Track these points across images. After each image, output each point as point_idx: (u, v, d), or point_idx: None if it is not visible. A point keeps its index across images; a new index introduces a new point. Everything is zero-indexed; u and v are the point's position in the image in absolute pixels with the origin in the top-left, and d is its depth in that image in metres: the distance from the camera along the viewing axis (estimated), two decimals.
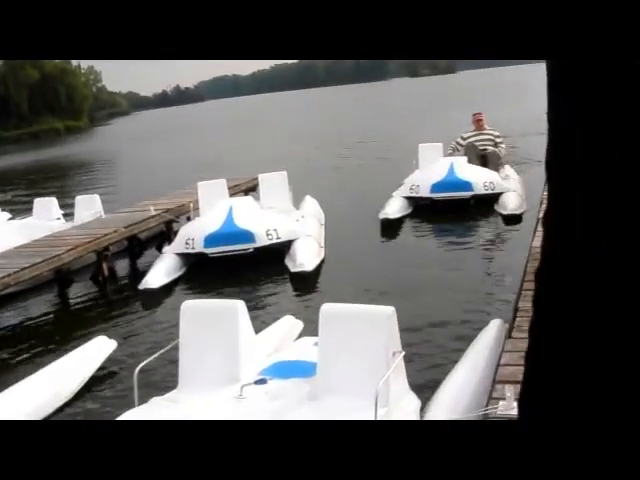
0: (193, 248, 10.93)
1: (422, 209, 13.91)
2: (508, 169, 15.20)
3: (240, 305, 5.41)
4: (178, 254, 11.07)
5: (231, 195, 13.27)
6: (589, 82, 1.50)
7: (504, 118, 28.89)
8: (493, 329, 6.42)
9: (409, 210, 13.83)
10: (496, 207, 13.11)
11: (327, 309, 4.95)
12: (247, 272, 10.44)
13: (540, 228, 8.61)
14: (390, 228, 12.84)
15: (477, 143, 15.09)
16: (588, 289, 1.49)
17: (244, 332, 5.41)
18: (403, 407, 4.78)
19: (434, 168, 14.09)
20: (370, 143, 30.05)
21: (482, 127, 15.45)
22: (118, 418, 4.71)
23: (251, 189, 15.99)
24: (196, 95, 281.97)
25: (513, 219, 12.50)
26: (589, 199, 1.49)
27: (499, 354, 5.37)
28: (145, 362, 4.97)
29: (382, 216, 13.00)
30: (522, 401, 1.73)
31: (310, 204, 13.54)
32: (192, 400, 4.93)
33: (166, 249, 11.39)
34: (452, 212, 13.38)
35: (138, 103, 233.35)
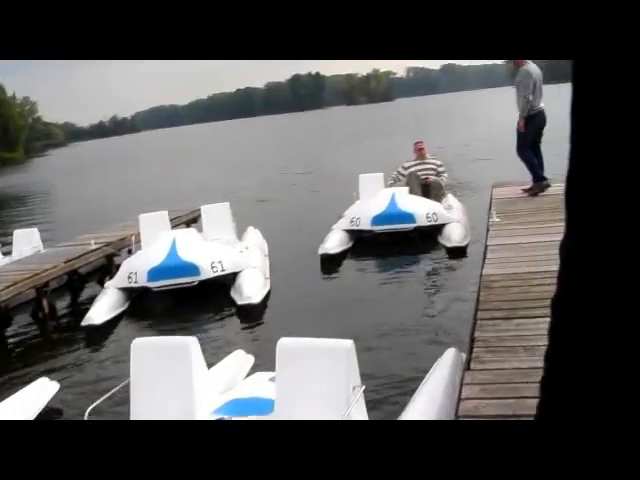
0: (136, 282, 10.72)
1: (363, 242, 13.46)
2: (451, 198, 14.84)
3: (193, 342, 5.27)
4: (121, 288, 10.85)
5: (173, 227, 13.13)
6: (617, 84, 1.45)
7: (441, 144, 29.25)
8: (449, 358, 6.37)
9: (349, 244, 13.31)
10: (440, 239, 12.77)
11: (284, 344, 4.84)
12: (193, 306, 10.30)
13: (489, 256, 8.69)
14: (330, 263, 12.34)
15: (419, 172, 14.75)
16: (609, 314, 1.52)
17: (198, 370, 5.27)
18: None
19: (375, 200, 13.69)
20: (310, 174, 30.09)
21: (424, 156, 15.11)
22: None
23: (193, 221, 15.88)
24: (133, 126, 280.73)
25: (458, 251, 12.18)
26: (609, 230, 1.47)
27: (457, 385, 5.33)
28: (95, 404, 4.81)
29: (322, 251, 12.48)
30: (542, 404, 1.78)
31: (253, 235, 13.42)
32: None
33: (108, 284, 11.17)
34: (394, 245, 13.02)
35: (74, 134, 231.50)
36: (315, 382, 4.59)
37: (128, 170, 48.95)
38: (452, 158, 22.90)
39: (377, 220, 13.32)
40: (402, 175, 14.96)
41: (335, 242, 12.85)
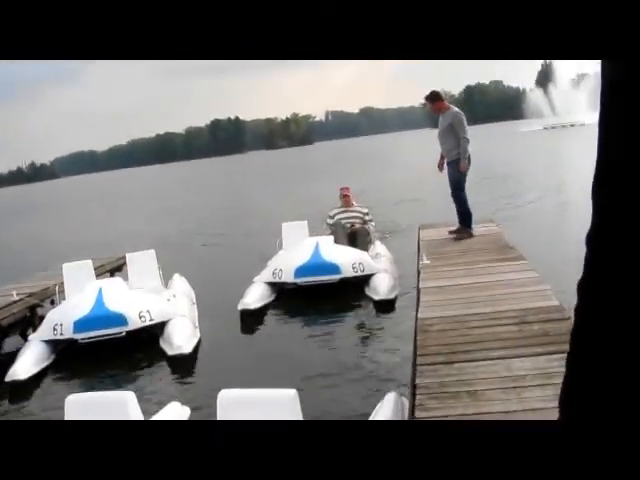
0: (62, 334, 10.39)
1: (286, 295, 12.73)
2: (379, 246, 14.37)
3: (130, 396, 5.13)
4: (46, 341, 10.51)
5: (97, 276, 12.87)
6: None
7: (363, 188, 29.44)
8: (390, 403, 6.27)
9: (271, 297, 12.63)
10: (367, 291, 12.16)
11: (225, 395, 4.70)
12: (121, 357, 10.03)
13: (423, 299, 8.65)
14: (251, 319, 11.65)
15: (344, 221, 14.38)
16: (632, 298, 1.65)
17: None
18: None
19: (298, 250, 13.07)
20: (233, 220, 29.93)
21: (349, 203, 14.72)
22: None
23: (117, 269, 15.65)
24: (52, 172, 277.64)
25: (386, 304, 11.57)
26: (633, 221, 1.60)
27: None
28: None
29: (241, 306, 11.75)
30: (563, 405, 1.92)
31: (179, 282, 13.20)
32: None
33: (32, 336, 10.83)
34: (319, 298, 12.29)
35: None
36: None
37: (48, 218, 48.22)
38: (375, 201, 22.99)
39: (300, 272, 12.59)
40: (328, 225, 14.60)
41: (255, 296, 12.16)
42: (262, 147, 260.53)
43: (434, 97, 12.40)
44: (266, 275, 12.99)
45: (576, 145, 52.13)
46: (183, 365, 9.61)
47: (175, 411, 7.04)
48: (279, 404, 4.52)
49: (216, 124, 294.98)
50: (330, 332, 10.83)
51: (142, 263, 12.86)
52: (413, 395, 5.65)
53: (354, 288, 12.38)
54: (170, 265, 14.28)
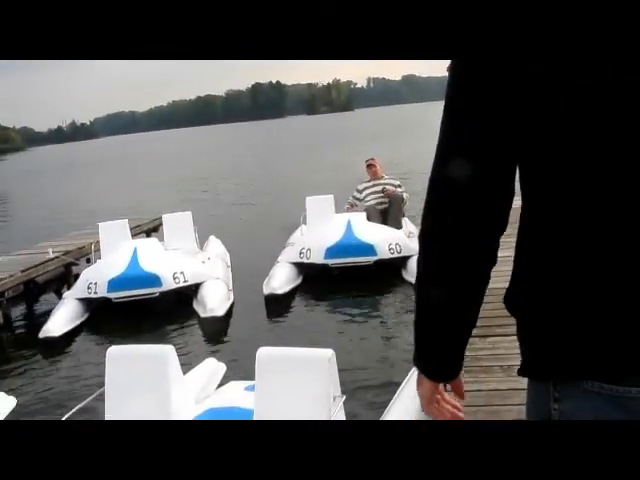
0: (96, 293, 10.41)
1: (314, 278, 11.42)
2: (410, 224, 12.88)
3: (170, 350, 5.15)
4: (80, 299, 10.56)
5: (133, 236, 12.88)
6: None
7: (402, 156, 29.27)
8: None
9: (299, 280, 11.42)
10: (405, 275, 10.93)
11: (264, 353, 4.75)
12: (154, 317, 10.04)
13: None
14: (277, 304, 10.47)
15: (373, 197, 12.89)
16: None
17: (174, 379, 5.15)
18: None
19: (328, 227, 11.74)
20: (268, 184, 29.88)
21: (377, 175, 13.27)
22: None
23: (153, 230, 15.67)
24: (91, 131, 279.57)
25: None
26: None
27: None
28: (70, 414, 4.63)
29: (267, 291, 10.56)
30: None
31: (215, 245, 13.18)
32: None
33: (67, 294, 10.89)
34: (352, 282, 11.06)
35: (33, 138, 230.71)
36: (295, 392, 4.52)
37: (87, 177, 48.54)
38: (412, 171, 22.80)
39: (331, 252, 11.31)
40: (357, 199, 13.28)
41: (282, 279, 10.93)
42: (302, 112, 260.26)
43: None
44: (292, 254, 11.79)
45: None
46: (215, 327, 9.61)
47: (211, 367, 7.07)
48: (316, 364, 4.55)
49: (257, 88, 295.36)
50: (364, 326, 9.65)
51: (178, 224, 12.84)
52: None
53: (390, 271, 11.20)
54: (206, 227, 14.28)
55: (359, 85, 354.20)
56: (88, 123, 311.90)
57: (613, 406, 1.56)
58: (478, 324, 5.59)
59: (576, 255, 1.53)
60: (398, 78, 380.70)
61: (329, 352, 4.57)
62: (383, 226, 12.02)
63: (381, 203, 12.83)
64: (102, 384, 5.14)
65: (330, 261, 11.34)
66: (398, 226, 12.23)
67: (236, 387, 5.97)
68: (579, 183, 1.49)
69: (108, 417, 5.00)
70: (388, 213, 12.61)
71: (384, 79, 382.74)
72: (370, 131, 66.96)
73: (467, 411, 4.73)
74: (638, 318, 1.48)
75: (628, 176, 1.44)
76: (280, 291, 10.60)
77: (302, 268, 11.60)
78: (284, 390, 4.56)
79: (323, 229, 11.86)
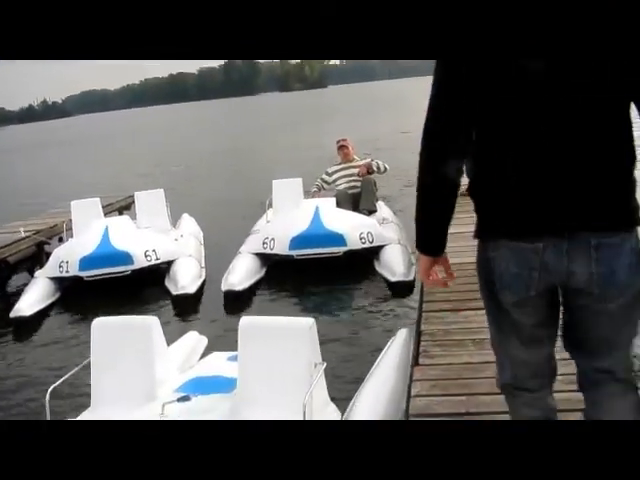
0: (67, 271, 10.34)
1: (279, 270, 10.57)
2: (384, 208, 12.23)
3: (154, 321, 5.22)
4: (51, 278, 10.49)
5: (105, 214, 12.83)
6: None
7: (376, 133, 29.23)
8: (401, 338, 6.30)
9: (261, 273, 10.52)
10: (378, 267, 10.10)
11: (246, 322, 4.83)
12: (126, 296, 9.97)
13: None
14: (237, 301, 9.56)
15: (344, 181, 12.18)
16: None
17: (159, 349, 5.24)
18: (326, 418, 4.72)
19: (294, 215, 10.88)
20: (241, 162, 29.81)
21: (349, 157, 12.47)
22: None
23: (126, 208, 15.62)
24: (64, 110, 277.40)
25: (404, 287, 9.38)
26: None
27: (410, 367, 5.36)
28: (55, 385, 4.63)
29: (226, 287, 9.68)
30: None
31: (188, 223, 13.12)
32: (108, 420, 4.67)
33: (38, 273, 10.81)
34: (320, 274, 10.11)
35: (3, 117, 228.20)
36: (277, 360, 4.61)
37: (59, 155, 48.20)
38: (387, 148, 22.75)
39: (297, 243, 10.35)
40: (326, 183, 12.53)
41: (242, 273, 10.03)
42: (275, 89, 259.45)
43: None
44: (255, 245, 10.87)
45: None
46: (187, 304, 9.59)
47: (193, 339, 7.17)
48: (297, 332, 4.63)
49: (230, 65, 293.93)
50: (331, 319, 8.77)
51: (150, 202, 12.76)
52: (418, 342, 5.59)
53: (361, 262, 10.32)
54: (179, 205, 14.20)
55: (332, 62, 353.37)
56: (60, 102, 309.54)
57: (513, 253, 2.75)
58: (451, 298, 5.65)
59: (494, 167, 2.75)
60: None
61: (310, 320, 4.66)
62: (354, 213, 11.22)
63: (353, 187, 12.07)
64: (75, 360, 5.15)
65: (295, 252, 10.36)
66: (372, 208, 11.67)
67: (219, 357, 6.06)
68: (497, 133, 2.71)
69: (93, 387, 5.07)
70: (360, 197, 11.84)
71: None
72: (343, 108, 66.86)
73: (439, 385, 4.77)
74: (523, 205, 2.68)
75: (518, 132, 2.65)
76: (239, 287, 9.70)
77: (266, 259, 10.75)
78: (266, 358, 4.64)
79: (288, 217, 11.01)
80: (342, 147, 12.57)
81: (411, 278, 9.44)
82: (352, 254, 10.26)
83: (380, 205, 12.23)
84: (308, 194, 12.24)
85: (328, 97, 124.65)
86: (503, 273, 2.79)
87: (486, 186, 2.80)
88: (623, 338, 2.82)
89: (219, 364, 5.78)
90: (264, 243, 10.63)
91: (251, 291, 9.92)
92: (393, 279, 9.48)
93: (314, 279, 10.07)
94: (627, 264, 2.67)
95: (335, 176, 12.39)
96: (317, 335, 4.71)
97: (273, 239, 10.58)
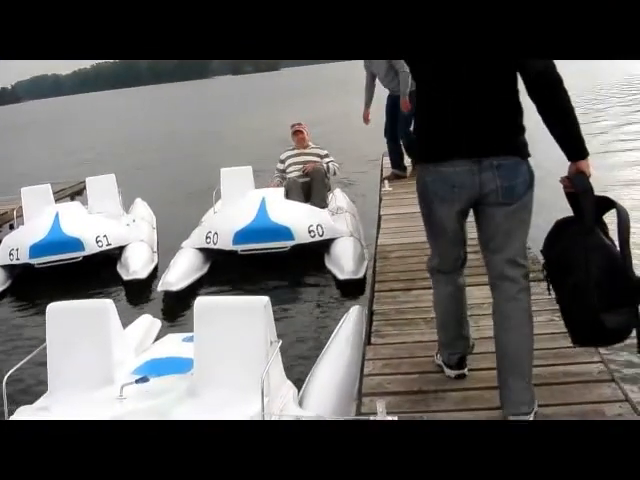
0: (18, 259, 10.21)
1: (222, 266, 10.04)
2: (339, 196, 11.74)
3: (110, 304, 5.14)
4: (2, 266, 10.35)
5: (57, 201, 12.66)
6: None
7: (328, 114, 29.21)
8: (354, 315, 6.32)
9: (203, 269, 9.92)
10: (328, 263, 9.51)
11: (201, 302, 4.80)
12: (78, 282, 9.86)
13: (383, 225, 8.57)
14: (175, 300, 8.92)
15: (296, 168, 11.34)
16: None
17: (115, 332, 5.15)
18: (282, 396, 4.75)
19: (238, 207, 10.31)
20: (195, 146, 29.67)
21: (304, 143, 11.66)
22: None
23: (77, 193, 15.49)
24: (14, 95, 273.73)
25: (353, 285, 8.76)
26: None
27: (363, 344, 5.40)
28: (12, 370, 4.54)
29: (162, 287, 9.05)
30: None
31: (141, 207, 12.99)
32: (66, 404, 4.67)
33: None
34: (265, 270, 9.68)
35: None
36: (234, 338, 4.61)
37: (10, 141, 47.54)
38: (339, 128, 22.75)
39: (241, 237, 9.76)
40: (281, 171, 11.67)
41: (180, 271, 9.41)
42: (228, 72, 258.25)
43: None
44: (198, 239, 10.22)
45: None
46: (139, 289, 9.52)
47: (147, 322, 7.16)
48: (252, 310, 4.62)
49: None
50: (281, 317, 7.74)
51: (102, 187, 12.59)
52: (370, 321, 5.61)
53: (310, 257, 9.79)
54: (131, 190, 14.08)
55: None
56: (9, 87, 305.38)
57: (439, 175, 3.92)
58: (402, 277, 5.73)
59: (427, 115, 3.99)
60: None
61: (265, 299, 4.64)
62: (303, 205, 10.48)
63: (305, 175, 11.24)
64: (29, 347, 5.07)
65: (239, 247, 9.77)
66: (322, 204, 10.80)
67: (174, 339, 6.06)
68: (429, 92, 3.95)
69: (50, 372, 5.00)
70: (311, 189, 11.06)
71: None
72: (296, 90, 66.78)
73: (391, 363, 4.80)
74: (444, 140, 3.88)
75: (443, 91, 3.84)
76: (176, 287, 9.03)
77: (209, 255, 10.14)
78: (222, 337, 4.64)
79: (232, 209, 10.48)
80: (297, 132, 11.71)
81: (360, 276, 8.84)
82: (301, 248, 9.70)
83: (335, 193, 11.72)
84: (266, 185, 11.46)
85: (280, 80, 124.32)
86: (434, 191, 3.99)
87: (422, 129, 4.10)
88: (519, 233, 3.97)
89: (175, 345, 5.79)
90: (207, 237, 10.04)
91: (191, 290, 9.13)
92: (341, 277, 8.86)
93: (260, 276, 9.48)
94: (522, 181, 3.87)
95: (288, 162, 11.53)
96: (272, 313, 4.72)
97: (216, 233, 9.98)
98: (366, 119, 11.84)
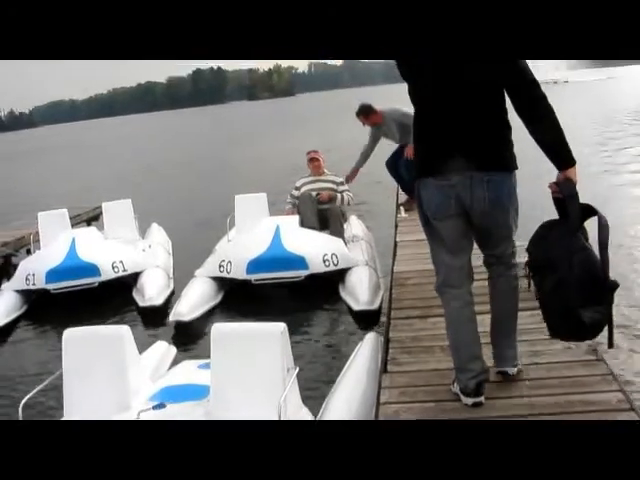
0: (34, 284, 10.26)
1: (236, 296, 9.84)
2: (354, 223, 11.69)
3: (126, 331, 5.18)
4: (18, 291, 10.39)
5: (73, 226, 12.73)
6: None
7: (343, 141, 29.22)
8: (369, 343, 6.35)
9: (217, 299, 9.77)
10: (342, 293, 9.31)
11: (218, 329, 4.85)
12: (93, 307, 9.89)
13: (400, 252, 8.55)
14: (187, 332, 8.76)
15: (314, 193, 11.15)
16: None
17: (131, 359, 5.20)
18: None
19: (253, 235, 10.21)
20: (211, 172, 29.76)
21: (319, 170, 11.53)
22: None
23: (94, 219, 15.52)
24: (31, 120, 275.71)
25: (368, 316, 8.55)
26: None
27: (379, 371, 5.41)
28: (27, 397, 4.55)
29: (174, 317, 8.90)
30: None
31: (157, 233, 13.04)
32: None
33: (4, 286, 10.68)
34: (279, 300, 9.54)
35: None
36: (250, 365, 4.63)
37: (27, 166, 47.82)
38: (352, 154, 22.70)
39: (254, 266, 9.63)
40: (296, 199, 11.36)
41: (193, 300, 9.32)
42: (244, 98, 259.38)
43: (367, 110, 11.51)
44: (211, 268, 10.10)
45: (557, 102, 52.25)
46: (155, 316, 9.51)
47: (162, 349, 7.20)
48: (269, 337, 4.64)
49: (198, 74, 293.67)
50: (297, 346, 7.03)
51: (118, 213, 12.66)
52: (386, 349, 5.60)
53: (325, 286, 9.61)
54: (148, 215, 14.12)
55: (300, 70, 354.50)
56: (27, 112, 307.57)
57: (436, 188, 4.36)
58: (418, 305, 5.71)
59: (425, 134, 4.46)
60: (339, 63, 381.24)
61: (282, 326, 4.67)
62: (318, 233, 10.31)
63: (320, 203, 11.06)
64: (45, 372, 5.06)
65: (253, 276, 9.63)
66: (339, 233, 10.56)
67: (189, 365, 6.06)
68: (426, 112, 4.44)
69: (66, 398, 5.02)
70: (328, 220, 10.80)
71: (325, 64, 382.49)
72: (312, 115, 66.95)
73: (407, 391, 4.78)
74: (441, 157, 4.32)
75: (438, 112, 4.35)
76: (188, 317, 8.92)
77: (223, 284, 10.00)
78: (239, 364, 4.65)
79: (246, 238, 10.34)
80: (312, 159, 11.63)
81: (375, 307, 8.68)
82: (315, 278, 9.57)
83: (351, 221, 11.70)
84: (281, 212, 11.40)
85: (296, 105, 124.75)
86: (431, 203, 4.47)
87: (420, 146, 4.55)
88: (505, 236, 4.64)
89: (190, 372, 5.79)
90: (220, 266, 9.91)
91: (204, 319, 9.02)
92: (356, 308, 8.68)
93: (273, 306, 9.34)
94: (506, 192, 4.43)
95: (303, 189, 11.35)
96: (289, 340, 4.74)
97: (230, 262, 9.84)
98: (352, 179, 11.85)
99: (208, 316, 9.19)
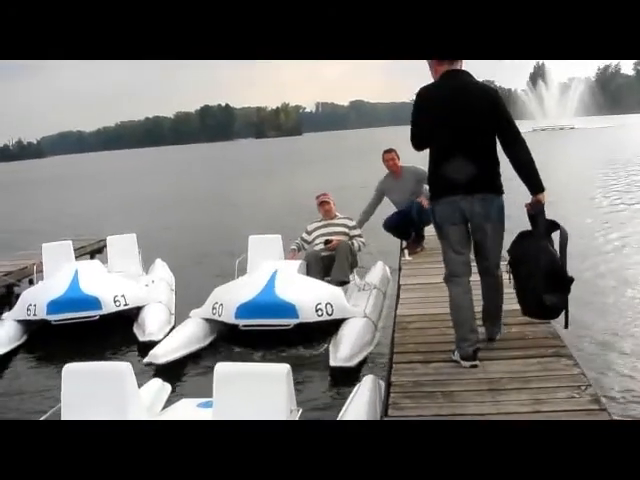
0: (35, 315, 10.23)
1: (224, 339, 9.58)
2: (378, 269, 11.72)
3: (127, 367, 5.17)
4: (18, 321, 10.35)
5: (77, 257, 12.74)
6: None
7: (352, 180, 29.34)
8: (367, 385, 6.32)
9: (206, 341, 9.49)
10: (332, 344, 8.71)
11: (222, 369, 4.85)
12: (93, 340, 9.84)
13: (403, 295, 8.53)
14: (160, 374, 7.92)
15: (322, 241, 10.97)
16: None
17: (131, 395, 5.18)
18: None
19: (247, 280, 10.16)
20: (218, 208, 29.81)
21: (331, 214, 11.36)
22: None
23: (98, 251, 15.56)
24: (39, 150, 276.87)
25: (342, 373, 8.03)
26: None
27: (377, 414, 5.44)
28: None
29: (148, 359, 8.55)
30: None
31: (160, 268, 13.02)
32: None
33: (5, 315, 10.65)
34: (267, 346, 8.99)
35: None
36: (253, 406, 4.60)
37: (33, 196, 47.98)
38: (359, 195, 22.77)
39: (243, 311, 9.30)
40: (306, 242, 11.31)
41: (175, 343, 9.08)
42: (251, 135, 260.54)
43: (398, 156, 11.80)
44: (206, 309, 9.83)
45: (564, 147, 52.52)
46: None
47: (156, 386, 7.12)
48: (273, 378, 4.66)
49: (206, 110, 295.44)
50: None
51: (122, 246, 12.71)
52: (387, 393, 5.55)
53: (314, 336, 9.22)
54: (152, 250, 14.13)
55: (308, 109, 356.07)
56: (35, 142, 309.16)
57: (446, 204, 5.96)
58: (421, 349, 5.67)
59: (437, 165, 6.01)
60: (346, 103, 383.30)
61: (286, 367, 4.70)
62: (315, 281, 9.99)
63: (329, 249, 10.85)
64: (42, 406, 5.01)
65: (241, 321, 9.31)
66: (344, 279, 10.36)
67: (188, 404, 6.03)
68: (438, 149, 6.02)
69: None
70: (334, 261, 10.56)
71: (332, 104, 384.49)
72: (319, 155, 67.26)
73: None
74: (449, 183, 5.89)
75: (447, 149, 5.94)
76: (162, 359, 8.55)
77: (213, 327, 9.68)
78: (242, 405, 4.63)
79: (242, 280, 10.25)
80: (322, 203, 11.44)
81: (352, 364, 8.13)
82: (306, 326, 9.18)
83: (377, 266, 11.77)
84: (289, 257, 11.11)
85: (303, 144, 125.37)
86: (442, 215, 5.99)
87: (434, 175, 6.07)
88: (495, 248, 6.12)
89: (190, 410, 5.75)
90: (213, 308, 9.67)
91: (182, 363, 8.79)
92: (332, 363, 8.15)
93: (260, 353, 8.90)
94: (495, 209, 5.94)
95: (314, 234, 11.19)
96: (292, 381, 4.74)
97: (222, 305, 9.60)
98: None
99: (189, 360, 8.93)
